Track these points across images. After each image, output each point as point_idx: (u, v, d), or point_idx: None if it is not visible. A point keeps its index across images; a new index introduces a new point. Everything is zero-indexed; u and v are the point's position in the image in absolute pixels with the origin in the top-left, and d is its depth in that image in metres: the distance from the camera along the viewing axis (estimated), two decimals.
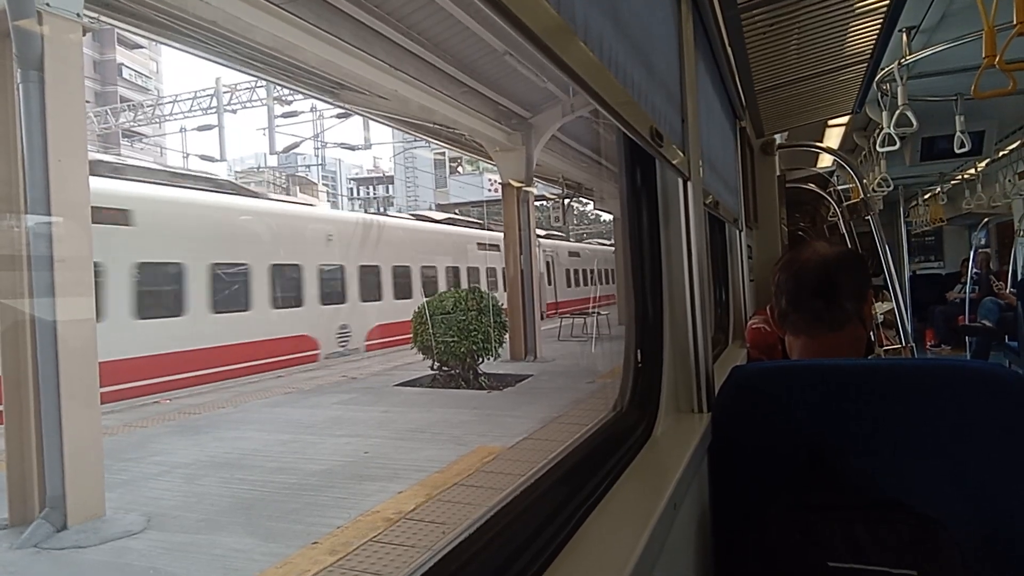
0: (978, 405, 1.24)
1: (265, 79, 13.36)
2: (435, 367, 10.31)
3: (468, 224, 21.36)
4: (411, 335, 10.52)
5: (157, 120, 22.38)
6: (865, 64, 2.87)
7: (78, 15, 4.71)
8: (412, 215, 20.83)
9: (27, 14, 4.44)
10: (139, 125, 22.84)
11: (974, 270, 8.25)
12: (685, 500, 1.14)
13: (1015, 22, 1.92)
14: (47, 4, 4.48)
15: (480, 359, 10.29)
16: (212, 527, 4.53)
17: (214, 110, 20.41)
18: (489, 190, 35.45)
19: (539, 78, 10.56)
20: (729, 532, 1.38)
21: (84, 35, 4.91)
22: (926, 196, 9.21)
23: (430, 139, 14.32)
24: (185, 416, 7.97)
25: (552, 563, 0.83)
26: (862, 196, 4.46)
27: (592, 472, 1.08)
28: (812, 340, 1.63)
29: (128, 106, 23.31)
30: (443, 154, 37.36)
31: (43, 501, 4.37)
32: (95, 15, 6.92)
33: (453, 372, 10.21)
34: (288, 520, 4.64)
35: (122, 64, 37.96)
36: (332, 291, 13.38)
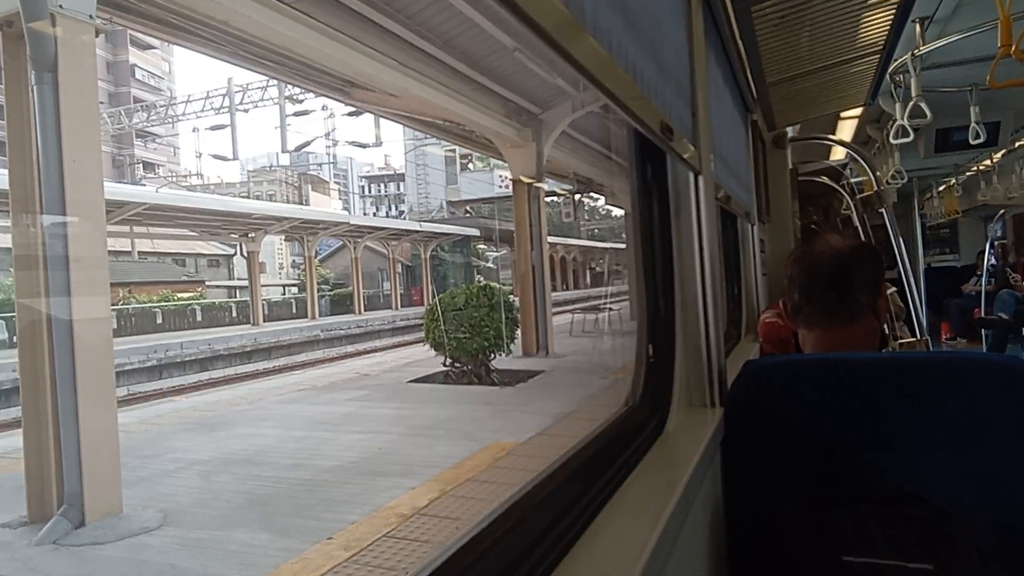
0: (994, 398, 1.23)
1: (276, 78, 13.45)
2: (447, 363, 10.33)
3: None
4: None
5: (170, 120, 22.59)
6: (878, 55, 2.83)
7: (91, 16, 4.75)
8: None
9: (40, 16, 4.47)
10: (152, 125, 23.09)
11: (991, 261, 8.16)
12: (698, 495, 1.14)
13: None
14: (60, 6, 4.51)
15: (492, 355, 10.28)
16: (228, 523, 4.56)
17: (226, 110, 20.57)
18: (500, 186, 35.45)
19: (549, 74, 10.51)
20: (742, 527, 1.37)
21: (97, 36, 4.95)
22: (941, 188, 9.12)
23: (441, 136, 14.36)
24: (201, 413, 8.05)
25: (565, 557, 0.83)
26: (876, 189, 4.42)
27: (605, 467, 1.08)
28: (825, 334, 1.61)
29: (141, 106, 23.53)
30: (454, 151, 37.32)
31: (61, 498, 4.42)
32: (107, 16, 6.96)
33: (465, 368, 10.21)
34: (303, 516, 4.67)
35: (135, 65, 38.27)
36: None
